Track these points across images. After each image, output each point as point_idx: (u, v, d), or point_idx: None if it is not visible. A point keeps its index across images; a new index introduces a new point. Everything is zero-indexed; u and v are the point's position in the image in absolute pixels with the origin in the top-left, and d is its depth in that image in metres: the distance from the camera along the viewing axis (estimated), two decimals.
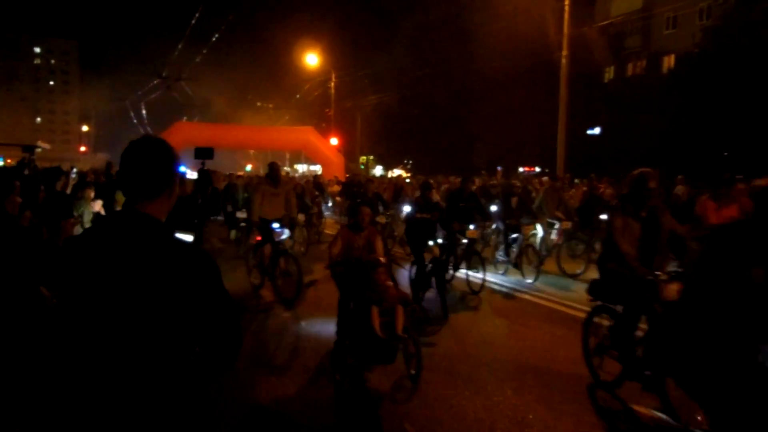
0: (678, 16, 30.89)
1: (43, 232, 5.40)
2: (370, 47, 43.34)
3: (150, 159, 1.90)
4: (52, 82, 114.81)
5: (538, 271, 10.00)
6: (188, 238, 6.96)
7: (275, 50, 57.48)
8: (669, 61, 31.10)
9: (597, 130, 32.85)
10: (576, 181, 21.07)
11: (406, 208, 15.75)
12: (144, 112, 38.65)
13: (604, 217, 11.28)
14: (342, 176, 32.02)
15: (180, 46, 29.38)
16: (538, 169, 36.92)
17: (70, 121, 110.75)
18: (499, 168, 36.95)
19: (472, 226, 9.33)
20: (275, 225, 8.67)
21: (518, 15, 28.10)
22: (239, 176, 19.18)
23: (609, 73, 36.02)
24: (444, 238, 9.21)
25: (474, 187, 17.07)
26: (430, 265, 8.30)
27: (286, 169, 64.47)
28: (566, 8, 20.40)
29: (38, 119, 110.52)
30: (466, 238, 9.44)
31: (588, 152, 29.89)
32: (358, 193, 16.16)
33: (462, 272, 9.57)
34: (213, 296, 1.85)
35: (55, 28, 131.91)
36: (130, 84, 38.17)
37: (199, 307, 1.81)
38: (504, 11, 29.22)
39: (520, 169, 38.27)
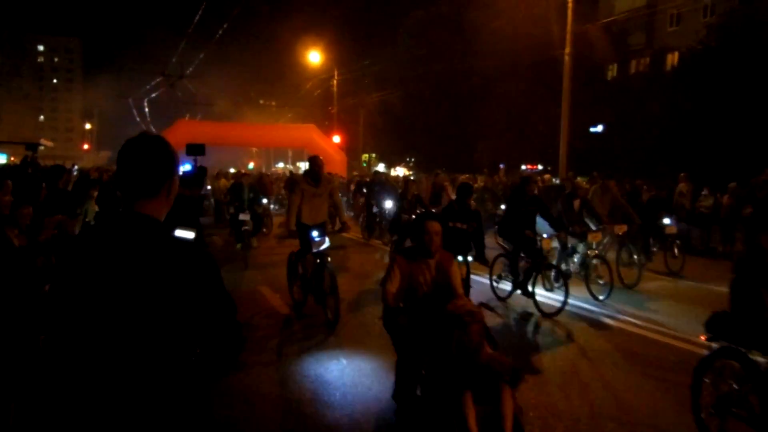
0: (681, 13, 30.79)
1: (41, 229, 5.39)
2: (373, 44, 43.26)
3: (147, 157, 1.87)
4: (55, 80, 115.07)
5: (611, 287, 8.72)
6: (189, 235, 6.88)
7: (278, 48, 57.26)
8: (673, 59, 30.98)
9: (600, 128, 32.75)
10: (578, 179, 20.97)
11: (388, 204, 15.14)
12: (147, 109, 38.70)
13: (667, 221, 10.77)
14: (344, 173, 32.01)
15: (182, 44, 29.37)
16: (540, 167, 36.83)
17: (74, 119, 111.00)
18: (501, 165, 36.88)
19: (545, 235, 8.26)
20: (315, 233, 7.38)
21: (521, 12, 28.02)
22: (244, 174, 18.10)
23: (612, 71, 35.89)
24: (508, 253, 8.29)
25: (476, 186, 16.81)
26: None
27: (289, 166, 64.48)
28: (569, 5, 20.33)
29: (41, 117, 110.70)
30: (535, 249, 8.17)
31: (591, 150, 29.81)
32: (379, 193, 15.53)
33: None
34: (213, 296, 1.83)
35: (58, 25, 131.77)
36: (133, 82, 38.19)
37: (199, 307, 1.79)
38: (507, 8, 29.14)
39: (523, 167, 38.18)
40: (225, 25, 23.88)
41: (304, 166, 61.26)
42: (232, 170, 28.74)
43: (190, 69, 30.55)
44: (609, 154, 28.56)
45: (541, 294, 8.27)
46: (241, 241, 11.77)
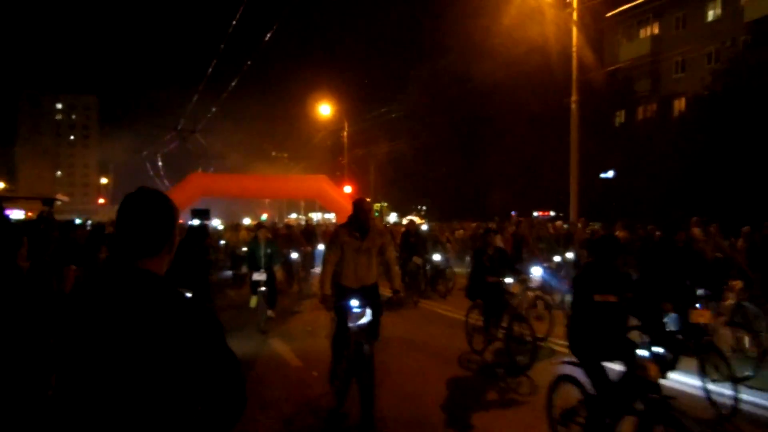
0: (686, 60, 31.17)
1: (52, 283, 5.44)
2: (382, 95, 44.16)
3: (148, 214, 1.86)
4: (72, 137, 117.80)
5: (760, 362, 6.75)
6: (187, 294, 6.79)
7: (289, 100, 58.80)
8: (679, 105, 31.22)
9: (611, 174, 32.84)
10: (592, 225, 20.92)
11: (436, 256, 14.52)
12: (160, 163, 39.40)
13: None
14: None
15: (194, 100, 30.17)
16: (552, 213, 36.79)
17: (90, 174, 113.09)
18: (513, 213, 36.92)
19: (698, 305, 6.11)
20: (354, 302, 5.72)
21: (529, 62, 28.52)
22: (261, 226, 13.11)
23: (620, 117, 36.19)
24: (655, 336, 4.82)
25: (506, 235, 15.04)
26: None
27: (301, 217, 64.84)
28: (574, 54, 20.70)
29: (59, 172, 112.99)
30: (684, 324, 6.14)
31: (602, 195, 29.82)
32: (415, 244, 14.19)
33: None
34: (215, 354, 1.81)
35: (76, 84, 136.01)
36: (147, 137, 39.13)
37: (201, 365, 1.77)
38: (514, 57, 29.70)
39: (535, 214, 38.17)
40: (235, 81, 24.54)
41: (316, 216, 61.69)
42: (247, 221, 27.59)
43: (202, 124, 31.25)
44: (620, 200, 28.54)
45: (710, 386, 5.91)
46: (255, 292, 10.49)
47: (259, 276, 10.30)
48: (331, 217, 41.87)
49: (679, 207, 22.38)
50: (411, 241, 14.38)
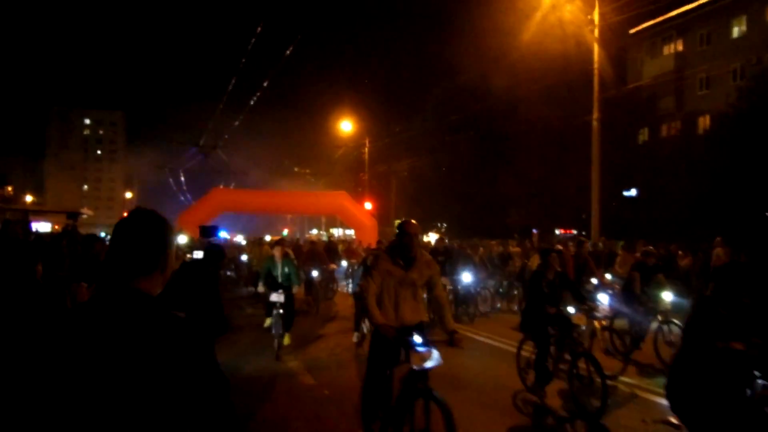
0: (711, 77, 30.80)
1: (65, 299, 5.49)
2: (404, 112, 44.29)
3: (141, 233, 1.87)
4: (99, 151, 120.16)
5: None
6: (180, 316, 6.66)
7: (310, 117, 59.24)
8: (704, 122, 30.82)
9: (634, 192, 32.46)
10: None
11: (467, 277, 12.99)
12: (182, 178, 39.91)
13: None
14: (374, 241, 32.04)
15: (216, 115, 30.55)
16: (575, 232, 36.43)
17: (115, 188, 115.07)
18: (534, 231, 36.62)
19: None
20: (417, 338, 4.73)
21: (550, 77, 28.42)
22: (277, 243, 12.01)
23: (644, 135, 35.83)
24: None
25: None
26: None
27: (322, 233, 65.06)
28: (595, 71, 20.58)
29: (85, 186, 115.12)
30: None
31: (624, 214, 29.45)
32: (444, 264, 12.62)
33: None
34: (200, 375, 1.78)
35: (103, 99, 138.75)
36: (171, 152, 39.69)
37: (186, 387, 1.74)
38: (535, 74, 29.62)
39: (557, 231, 37.83)
40: (255, 98, 24.80)
41: (337, 232, 61.86)
42: (267, 237, 27.04)
43: (223, 140, 31.56)
44: (643, 218, 28.15)
45: None
46: (269, 314, 9.97)
47: (276, 297, 9.56)
48: (352, 233, 41.90)
49: (703, 226, 22.03)
50: (439, 260, 12.77)
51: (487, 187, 38.43)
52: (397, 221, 45.37)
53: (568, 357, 6.86)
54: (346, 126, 38.80)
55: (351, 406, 6.35)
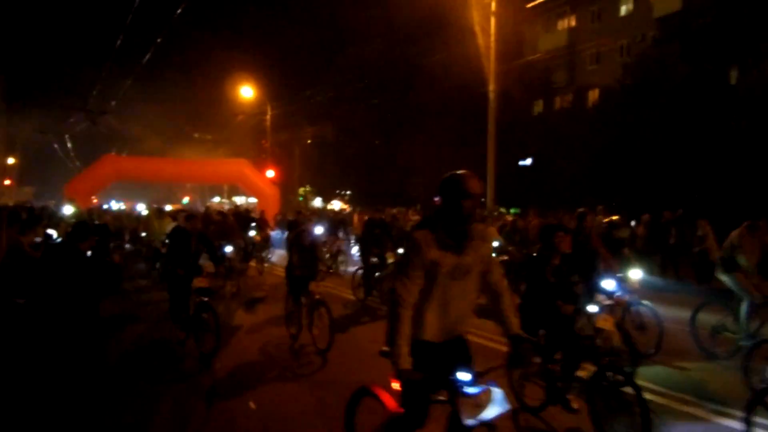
0: (601, 53, 32.34)
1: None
2: (307, 78, 43.46)
3: None
4: None
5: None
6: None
7: (209, 82, 56.74)
8: (593, 96, 32.43)
9: (529, 161, 33.78)
10: (502, 210, 21.48)
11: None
12: (69, 144, 37.36)
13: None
14: (277, 208, 31.61)
15: (104, 77, 28.67)
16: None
17: None
18: (436, 199, 37.37)
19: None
20: (464, 376, 3.13)
21: (452, 50, 28.76)
22: (188, 214, 10.87)
23: (538, 106, 37.25)
24: None
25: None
26: None
27: (225, 201, 63.32)
28: (492, 44, 21.04)
29: None
30: None
31: (520, 183, 30.64)
32: (381, 235, 11.49)
33: None
34: None
35: None
36: (56, 116, 36.86)
37: None
38: (435, 45, 29.87)
39: None
40: (146, 58, 23.14)
41: (240, 200, 60.38)
42: (168, 207, 23.13)
43: (114, 104, 29.58)
44: (537, 187, 29.42)
45: None
46: (191, 330, 7.65)
47: (200, 281, 7.58)
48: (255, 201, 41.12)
49: (589, 195, 23.34)
50: (376, 233, 11.54)
51: (388, 156, 38.71)
52: (301, 189, 44.82)
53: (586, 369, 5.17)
54: (246, 92, 37.64)
55: None
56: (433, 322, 3.29)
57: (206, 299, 7.46)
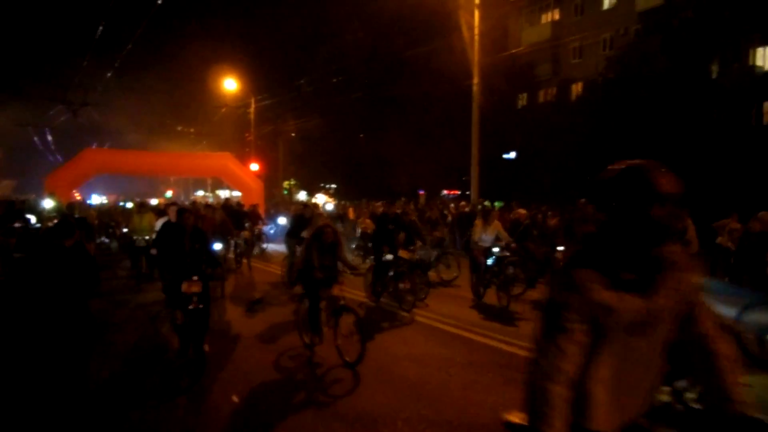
0: (584, 46, 32.49)
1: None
2: (290, 72, 43.18)
3: None
4: None
5: None
6: None
7: (193, 74, 56.13)
8: (577, 89, 32.59)
9: (513, 154, 33.93)
10: (486, 204, 21.54)
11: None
12: (50, 137, 36.85)
13: None
14: (262, 203, 31.47)
15: (84, 68, 28.20)
16: (459, 192, 37.68)
17: None
18: (421, 192, 37.46)
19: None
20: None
21: (434, 42, 28.74)
22: (180, 209, 8.07)
23: (522, 100, 37.37)
24: None
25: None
26: None
27: (208, 194, 62.90)
28: (475, 37, 21.06)
29: None
30: None
31: (504, 176, 30.79)
32: (394, 230, 10.44)
33: None
34: None
35: None
36: (36, 108, 36.31)
37: None
38: (421, 39, 29.84)
39: (443, 192, 38.93)
40: (127, 49, 22.78)
41: (224, 194, 59.97)
42: (154, 201, 23.92)
43: (95, 96, 29.20)
44: (520, 180, 29.57)
45: None
46: (188, 341, 6.54)
47: (191, 286, 6.44)
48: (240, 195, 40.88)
49: (573, 188, 23.49)
50: (390, 228, 10.52)
51: (372, 149, 38.68)
52: (286, 183, 44.92)
53: None
54: (230, 84, 37.31)
55: None
56: (604, 402, 2.08)
57: (201, 306, 6.48)
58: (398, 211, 12.03)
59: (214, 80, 38.06)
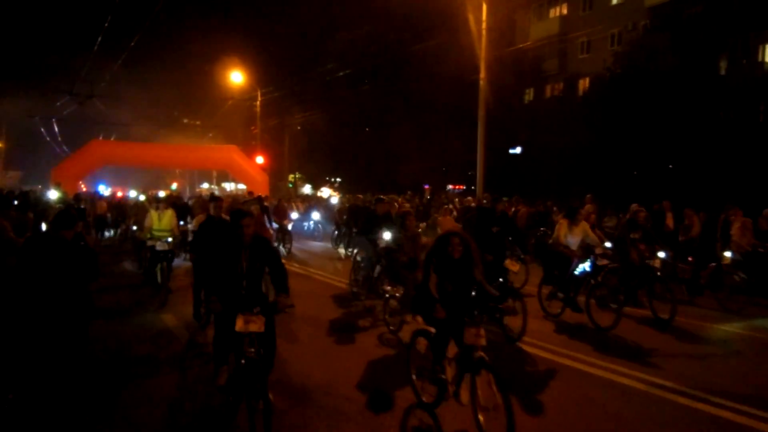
0: (591, 42, 32.33)
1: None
2: (297, 65, 43.16)
3: None
4: None
5: None
6: None
7: (199, 66, 56.19)
8: (584, 84, 32.44)
9: (518, 150, 33.84)
10: (504, 199, 21.49)
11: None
12: (57, 129, 36.96)
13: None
14: (268, 195, 31.48)
15: (91, 60, 28.27)
16: (464, 187, 37.61)
17: None
18: (426, 186, 37.42)
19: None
20: None
21: (441, 36, 28.67)
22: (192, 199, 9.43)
23: (529, 95, 37.23)
24: None
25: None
26: None
27: (213, 187, 63.01)
28: (483, 32, 20.97)
29: None
30: None
31: (509, 171, 30.72)
32: (370, 219, 9.66)
33: None
34: None
35: None
36: (43, 99, 36.34)
37: None
38: (429, 33, 29.77)
39: (449, 187, 38.89)
40: (134, 41, 22.85)
41: (229, 187, 60.07)
42: (162, 193, 21.97)
43: (101, 87, 29.15)
44: (526, 175, 29.51)
45: None
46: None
47: (251, 322, 4.56)
48: (245, 187, 40.93)
49: (578, 183, 23.44)
50: (493, 232, 8.88)
51: (378, 143, 38.64)
52: (291, 176, 44.52)
53: None
54: (236, 77, 37.31)
55: None
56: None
57: (262, 352, 4.68)
58: (499, 207, 9.46)
59: (221, 73, 38.06)
